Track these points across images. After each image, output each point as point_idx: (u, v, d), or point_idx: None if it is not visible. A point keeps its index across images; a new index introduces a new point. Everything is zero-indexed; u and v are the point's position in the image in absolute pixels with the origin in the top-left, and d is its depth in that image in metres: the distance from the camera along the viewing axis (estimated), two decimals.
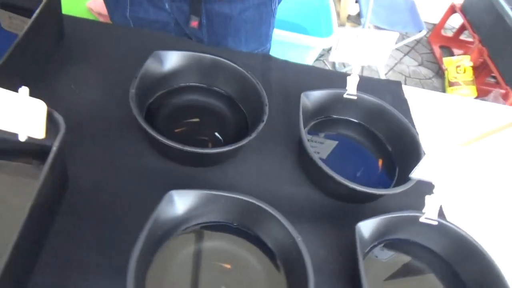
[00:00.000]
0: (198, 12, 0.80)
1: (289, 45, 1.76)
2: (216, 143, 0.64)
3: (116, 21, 0.89)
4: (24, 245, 0.41)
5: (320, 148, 0.69)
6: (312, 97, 0.68)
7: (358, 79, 0.69)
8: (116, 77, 0.71)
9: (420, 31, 2.07)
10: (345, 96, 0.70)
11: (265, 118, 0.61)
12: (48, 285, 0.47)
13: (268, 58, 0.85)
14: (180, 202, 0.49)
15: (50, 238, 0.50)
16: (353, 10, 2.57)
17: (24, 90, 0.45)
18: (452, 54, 2.54)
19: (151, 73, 0.63)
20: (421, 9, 2.21)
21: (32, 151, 0.53)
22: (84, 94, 0.66)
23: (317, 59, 2.25)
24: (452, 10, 2.45)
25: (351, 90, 0.69)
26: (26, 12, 0.69)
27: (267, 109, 0.62)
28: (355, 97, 0.70)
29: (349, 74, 0.70)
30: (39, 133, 0.48)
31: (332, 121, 0.72)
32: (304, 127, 0.62)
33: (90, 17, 1.60)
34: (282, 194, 0.63)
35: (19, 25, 0.70)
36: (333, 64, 2.35)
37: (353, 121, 0.73)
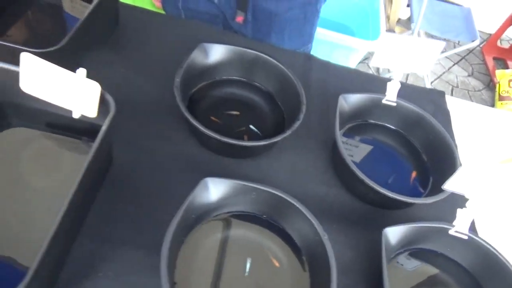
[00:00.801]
0: (244, 8, 0.82)
1: (333, 45, 1.75)
2: (252, 136, 0.66)
3: (168, 11, 0.93)
4: (72, 214, 0.45)
5: (354, 151, 0.70)
6: (350, 100, 0.68)
7: (399, 85, 0.68)
8: (163, 65, 0.74)
9: (473, 41, 1.99)
10: (383, 101, 0.69)
11: (302, 116, 0.62)
12: (87, 252, 0.51)
13: (309, 57, 0.85)
14: (214, 189, 0.51)
15: (92, 210, 0.54)
16: (404, 14, 2.50)
17: (82, 71, 0.49)
18: (506, 67, 2.42)
19: (196, 64, 0.65)
20: (477, 17, 2.12)
21: (82, 128, 0.58)
22: (132, 79, 0.70)
23: (360, 62, 2.22)
24: (511, 20, 2.34)
25: (390, 96, 0.69)
26: None
27: (304, 108, 0.63)
28: (394, 104, 0.69)
29: (390, 80, 0.69)
30: (92, 112, 0.52)
31: (368, 125, 0.72)
32: (340, 129, 0.63)
33: (148, 2, 1.66)
34: (312, 193, 0.64)
35: (79, 9, 0.75)
36: (377, 68, 2.31)
37: (390, 128, 0.72)
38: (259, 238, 0.55)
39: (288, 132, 0.59)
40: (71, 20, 0.75)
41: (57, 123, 0.58)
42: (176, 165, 0.62)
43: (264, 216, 0.56)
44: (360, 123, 0.72)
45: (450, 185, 0.54)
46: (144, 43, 0.77)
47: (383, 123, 0.72)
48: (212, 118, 0.67)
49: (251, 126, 0.67)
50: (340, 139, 0.61)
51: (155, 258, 0.51)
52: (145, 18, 0.83)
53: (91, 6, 0.61)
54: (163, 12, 0.96)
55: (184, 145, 0.64)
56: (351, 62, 1.90)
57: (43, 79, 0.50)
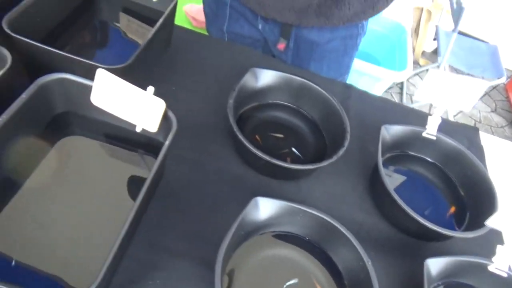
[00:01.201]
0: (287, 36, 0.86)
1: (359, 73, 1.79)
2: (295, 159, 0.68)
3: (213, 33, 0.97)
4: (132, 227, 0.47)
5: (391, 180, 0.71)
6: (392, 130, 0.70)
7: (440, 120, 0.70)
8: (211, 85, 0.78)
9: (499, 78, 2.00)
10: (424, 134, 0.71)
11: (346, 144, 0.64)
12: (138, 261, 0.53)
13: (348, 86, 0.88)
14: (263, 208, 0.54)
15: (143, 220, 0.57)
16: (429, 47, 2.54)
17: (151, 89, 0.53)
18: None
19: (246, 87, 0.69)
20: (504, 54, 2.14)
21: (139, 141, 0.61)
22: (183, 97, 0.74)
23: (385, 91, 2.25)
24: None
25: (431, 130, 0.71)
26: (142, 17, 0.79)
27: (348, 136, 0.66)
28: (434, 137, 0.71)
29: (424, 113, 0.71)
30: (154, 127, 0.55)
31: (407, 156, 0.74)
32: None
33: (185, 20, 1.72)
34: (351, 218, 0.65)
35: (135, 29, 0.80)
36: (400, 97, 2.33)
37: (428, 160, 0.74)
38: (301, 259, 0.56)
39: (334, 158, 0.62)
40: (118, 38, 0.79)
41: (116, 134, 0.61)
42: (221, 181, 0.64)
43: (307, 238, 0.57)
44: (399, 153, 0.74)
45: (492, 221, 0.55)
46: (193, 63, 0.81)
47: (421, 156, 0.74)
48: (257, 137, 0.70)
49: (294, 149, 0.70)
50: (382, 167, 0.63)
51: (203, 268, 0.53)
52: (193, 39, 0.87)
53: (154, 28, 0.65)
54: (200, 31, 1.00)
55: (229, 162, 0.67)
56: (376, 90, 1.93)
57: (113, 94, 0.53)
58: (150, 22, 0.79)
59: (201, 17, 1.54)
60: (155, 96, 0.53)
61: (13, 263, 0.47)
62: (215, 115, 0.73)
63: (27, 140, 0.55)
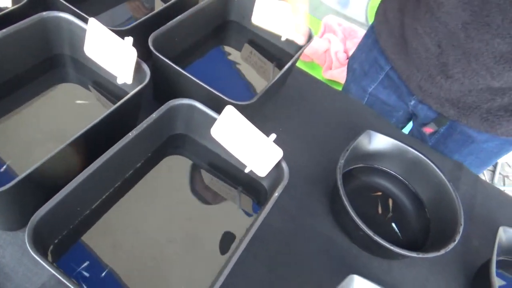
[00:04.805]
0: (441, 124, 0.78)
1: None
2: (392, 236, 0.63)
3: (352, 89, 0.92)
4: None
5: None
6: (509, 234, 0.62)
7: None
8: (319, 134, 0.75)
9: None
10: None
11: (458, 238, 0.58)
12: None
13: (460, 167, 0.81)
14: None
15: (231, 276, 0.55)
16: None
17: (273, 136, 0.52)
18: None
19: (358, 148, 0.65)
20: None
21: (241, 179, 0.60)
22: (288, 140, 0.72)
23: None
24: None
25: None
26: (265, 52, 0.80)
27: (461, 229, 0.59)
28: None
29: None
30: (263, 173, 0.54)
31: None
32: None
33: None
34: None
35: (254, 61, 0.80)
36: (492, 176, 2.14)
37: None
38: None
39: (442, 252, 0.56)
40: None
41: (221, 166, 0.61)
42: (313, 241, 0.61)
43: None
44: (510, 259, 0.65)
45: None
46: (305, 108, 0.79)
47: None
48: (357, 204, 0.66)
49: (394, 225, 0.65)
50: (495, 272, 0.56)
51: None
52: (306, 81, 0.86)
53: (283, 70, 0.64)
54: (306, 64, 0.97)
55: (322, 221, 0.64)
56: None
57: (233, 131, 0.53)
58: (272, 58, 0.80)
59: (307, 50, 1.54)
60: (274, 144, 0.52)
61: (104, 273, 0.48)
62: (317, 166, 0.70)
63: (143, 154, 0.57)
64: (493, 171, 2.16)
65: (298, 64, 0.82)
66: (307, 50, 1.51)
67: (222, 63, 0.79)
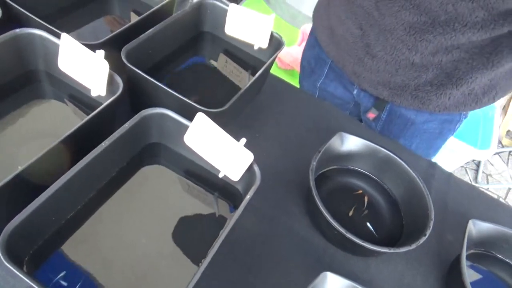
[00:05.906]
0: (381, 108, 0.83)
1: None
2: (368, 234, 0.65)
3: (305, 86, 0.98)
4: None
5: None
6: (479, 227, 0.64)
7: None
8: (294, 138, 0.77)
9: None
10: None
11: (428, 233, 0.60)
12: None
13: (433, 165, 0.83)
14: (330, 285, 0.51)
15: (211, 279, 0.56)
16: None
17: (243, 140, 0.53)
18: None
19: (330, 150, 0.67)
20: None
21: (217, 185, 0.61)
22: (264, 146, 0.74)
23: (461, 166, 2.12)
24: None
25: None
26: (239, 61, 0.82)
27: (432, 224, 0.61)
28: None
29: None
30: (236, 177, 0.55)
31: (491, 258, 0.67)
32: None
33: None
34: None
35: (230, 71, 0.82)
36: (475, 175, 2.18)
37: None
38: None
39: (413, 246, 0.57)
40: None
41: (197, 173, 0.62)
42: (291, 245, 0.62)
43: None
44: (482, 252, 0.67)
45: None
46: (279, 114, 0.81)
47: (507, 260, 0.67)
48: (331, 205, 0.67)
49: (369, 225, 0.66)
50: (465, 265, 0.58)
51: None
52: (282, 88, 0.88)
53: (255, 76, 0.66)
54: (284, 72, 1.01)
55: (299, 222, 0.65)
56: (451, 164, 1.82)
57: (205, 138, 0.54)
58: (246, 66, 0.82)
59: (287, 59, 1.58)
60: (245, 148, 0.53)
61: (81, 282, 0.48)
62: (292, 169, 0.72)
63: (117, 163, 0.58)
64: (476, 170, 2.20)
65: (278, 73, 0.85)
66: (286, 59, 1.54)
67: (199, 72, 0.81)
